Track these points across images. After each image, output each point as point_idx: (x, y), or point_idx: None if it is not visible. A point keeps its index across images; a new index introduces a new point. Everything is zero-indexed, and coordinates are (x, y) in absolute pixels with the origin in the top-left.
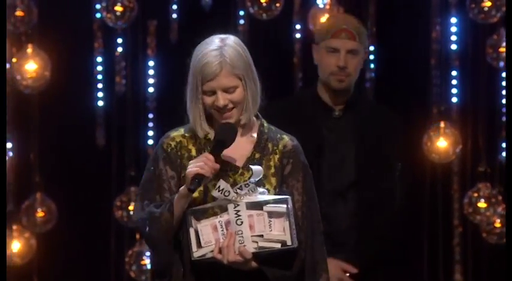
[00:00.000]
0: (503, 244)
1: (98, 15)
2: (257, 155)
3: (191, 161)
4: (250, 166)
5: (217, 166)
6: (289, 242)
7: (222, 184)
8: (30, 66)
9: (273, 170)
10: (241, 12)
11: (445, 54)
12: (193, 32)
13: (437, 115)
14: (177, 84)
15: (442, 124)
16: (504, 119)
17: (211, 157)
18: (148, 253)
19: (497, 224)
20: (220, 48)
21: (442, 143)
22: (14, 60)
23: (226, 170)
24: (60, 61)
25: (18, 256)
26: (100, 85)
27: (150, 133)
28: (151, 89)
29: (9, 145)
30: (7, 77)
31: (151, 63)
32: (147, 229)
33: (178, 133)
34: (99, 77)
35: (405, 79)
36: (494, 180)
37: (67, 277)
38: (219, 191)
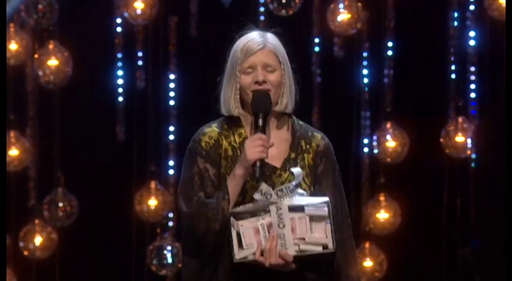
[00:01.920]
0: None
1: (119, 11)
2: (293, 155)
3: (247, 145)
4: (292, 170)
5: (272, 142)
6: (330, 246)
7: (264, 187)
8: (52, 62)
9: (307, 169)
10: (261, 9)
11: (463, 50)
12: (213, 28)
13: (455, 110)
14: (197, 80)
15: (459, 119)
16: None
17: (264, 136)
18: (169, 248)
19: None
20: (262, 34)
21: (459, 138)
22: (35, 56)
23: (264, 171)
24: (81, 57)
25: (40, 250)
26: (120, 81)
27: (171, 128)
28: (172, 85)
29: (31, 141)
30: (29, 73)
31: (171, 58)
32: (202, 219)
33: (212, 130)
34: (120, 73)
35: (423, 75)
36: None
37: (88, 270)
38: (261, 194)
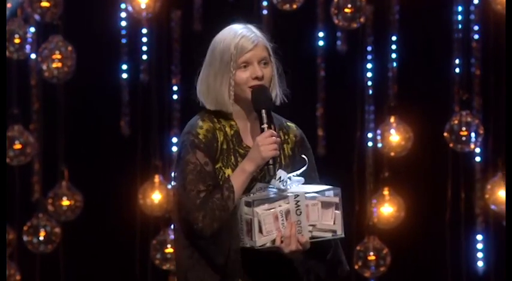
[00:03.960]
0: None
1: (123, 5)
2: None
3: (260, 142)
4: (303, 156)
5: (279, 139)
6: (339, 232)
7: (282, 174)
8: (56, 56)
9: (287, 160)
10: (264, 3)
11: (467, 43)
12: (216, 23)
13: (459, 104)
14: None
15: (463, 113)
16: None
17: (275, 133)
18: (171, 241)
19: None
20: (247, 27)
21: (463, 132)
22: (39, 50)
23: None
24: (85, 51)
25: (44, 244)
26: (125, 75)
27: (175, 123)
28: (175, 79)
29: (35, 135)
30: (33, 67)
31: (175, 53)
32: (208, 216)
33: (207, 123)
34: (124, 67)
35: (427, 69)
36: None
37: (92, 265)
38: (279, 181)
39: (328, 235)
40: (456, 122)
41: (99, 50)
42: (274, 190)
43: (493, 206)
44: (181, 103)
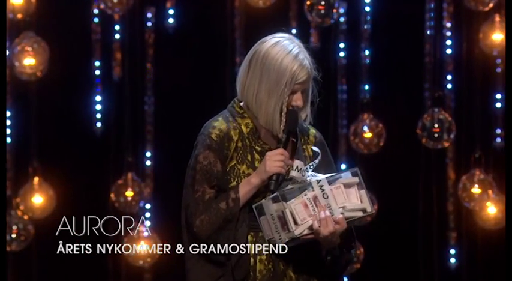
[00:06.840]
0: (496, 229)
1: (96, 1)
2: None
3: (268, 157)
4: (313, 148)
5: (291, 161)
6: (369, 209)
7: (298, 163)
8: (28, 53)
9: (308, 160)
10: None
11: (439, 40)
12: (190, 19)
13: (432, 102)
14: (174, 70)
15: (436, 110)
16: (498, 105)
17: (287, 153)
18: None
19: (491, 210)
20: (304, 52)
21: (435, 129)
22: (12, 46)
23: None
24: (58, 48)
25: (17, 242)
26: (97, 72)
27: (148, 119)
28: (149, 75)
29: (7, 131)
30: (6, 64)
31: (149, 49)
32: (211, 223)
33: (220, 123)
34: (97, 64)
35: (400, 66)
36: (489, 166)
37: (65, 262)
38: (298, 170)
39: (360, 214)
40: (429, 119)
41: (72, 46)
42: (294, 185)
43: (465, 203)
44: (155, 99)
